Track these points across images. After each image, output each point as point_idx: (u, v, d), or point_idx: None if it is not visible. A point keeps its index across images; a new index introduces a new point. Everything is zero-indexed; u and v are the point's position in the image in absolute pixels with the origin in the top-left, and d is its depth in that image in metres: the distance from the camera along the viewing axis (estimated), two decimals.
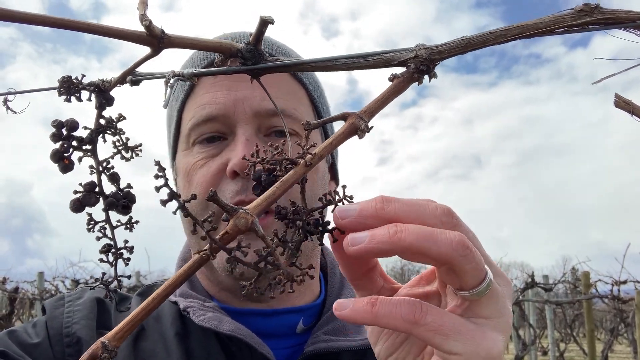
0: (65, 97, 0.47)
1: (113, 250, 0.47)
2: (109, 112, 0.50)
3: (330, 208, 0.50)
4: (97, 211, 0.48)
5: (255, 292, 0.44)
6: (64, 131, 0.47)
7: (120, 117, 0.49)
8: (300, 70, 0.51)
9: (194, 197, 0.42)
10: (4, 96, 0.50)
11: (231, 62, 0.52)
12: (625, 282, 5.70)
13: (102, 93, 0.48)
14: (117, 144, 0.49)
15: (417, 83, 0.47)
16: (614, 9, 0.43)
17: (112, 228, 0.48)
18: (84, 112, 0.50)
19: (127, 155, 0.49)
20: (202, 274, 1.01)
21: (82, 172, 0.49)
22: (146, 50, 0.47)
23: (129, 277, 0.49)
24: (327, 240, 0.51)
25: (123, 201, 0.48)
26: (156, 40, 0.46)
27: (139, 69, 0.51)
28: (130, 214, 0.48)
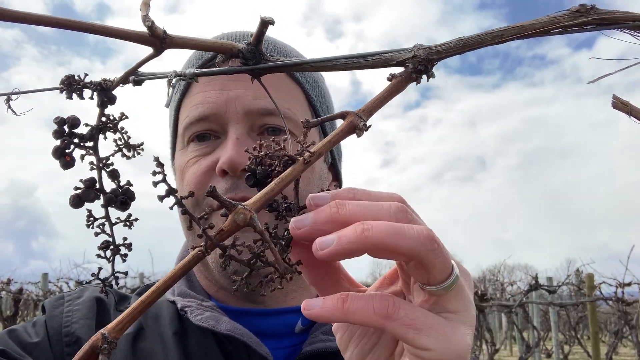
0: (67, 95, 0.48)
1: (111, 246, 0.48)
2: (112, 111, 0.51)
3: None
4: (97, 208, 0.49)
5: (246, 287, 0.45)
6: (66, 128, 0.48)
7: (122, 116, 0.50)
8: (301, 70, 0.52)
9: (191, 194, 0.42)
10: (7, 96, 0.51)
11: (232, 62, 0.52)
12: (629, 284, 5.67)
13: (104, 91, 0.48)
14: (119, 142, 0.49)
15: (415, 83, 0.47)
16: (609, 10, 0.43)
17: (111, 225, 0.48)
18: (87, 112, 0.51)
19: (129, 153, 0.50)
20: (200, 273, 1.01)
21: (87, 171, 0.49)
22: (149, 50, 0.48)
23: (125, 273, 0.50)
24: None
25: (122, 197, 0.49)
26: (158, 40, 0.46)
27: (142, 69, 0.52)
28: (129, 211, 0.49)
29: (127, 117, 0.50)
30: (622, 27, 0.44)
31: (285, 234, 0.49)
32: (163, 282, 0.40)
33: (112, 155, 0.49)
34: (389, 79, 0.47)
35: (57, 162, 0.49)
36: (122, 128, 0.49)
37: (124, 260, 0.48)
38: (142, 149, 0.50)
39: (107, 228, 0.48)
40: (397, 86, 0.47)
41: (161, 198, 0.40)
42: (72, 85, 0.47)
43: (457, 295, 0.50)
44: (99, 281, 0.48)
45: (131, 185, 0.49)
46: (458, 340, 0.48)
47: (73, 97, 0.47)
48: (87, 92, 0.49)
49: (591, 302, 6.59)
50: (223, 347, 0.88)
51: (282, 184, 0.44)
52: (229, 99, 0.89)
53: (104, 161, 0.48)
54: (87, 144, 0.48)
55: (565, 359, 9.10)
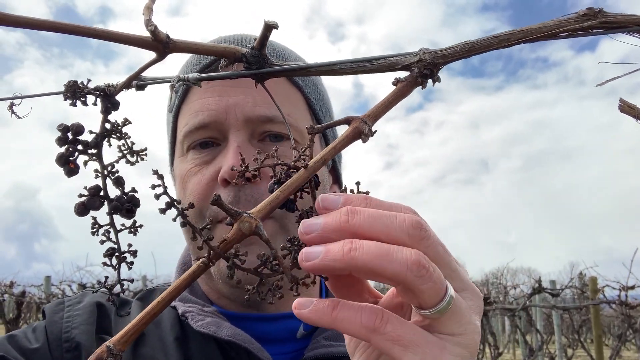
0: (70, 101, 0.47)
1: (117, 254, 0.48)
2: (115, 116, 0.50)
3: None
4: (102, 215, 0.49)
5: (258, 296, 0.44)
6: (70, 135, 0.47)
7: (126, 122, 0.49)
8: (304, 75, 0.51)
9: (191, 205, 0.42)
10: (10, 101, 0.51)
11: (235, 66, 0.52)
12: (633, 287, 5.65)
13: (108, 97, 0.48)
14: (123, 148, 0.49)
15: (420, 87, 0.47)
16: (617, 13, 0.43)
17: (116, 232, 0.48)
18: (90, 116, 0.50)
19: (132, 159, 0.49)
20: (201, 280, 1.01)
21: (90, 176, 0.49)
22: (152, 54, 0.48)
23: (132, 281, 0.50)
24: None
25: (127, 205, 0.48)
26: (161, 45, 0.46)
27: (144, 74, 0.52)
28: (135, 218, 0.49)
29: (130, 123, 0.49)
30: (630, 30, 0.43)
31: (298, 241, 0.48)
32: (168, 293, 0.39)
33: (117, 161, 0.48)
34: (394, 84, 0.47)
35: (59, 165, 0.49)
36: (126, 134, 0.49)
37: (130, 268, 0.48)
38: (146, 154, 0.50)
39: (112, 235, 0.47)
40: (402, 91, 0.46)
41: (163, 211, 0.39)
42: (75, 92, 0.47)
43: (454, 317, 0.48)
44: (105, 289, 0.48)
45: (136, 192, 0.49)
46: None
47: (77, 104, 0.47)
48: (90, 98, 0.48)
49: (594, 306, 6.57)
50: (224, 352, 0.87)
51: (286, 191, 0.43)
52: (229, 105, 0.88)
53: (109, 168, 0.48)
54: (91, 151, 0.48)
55: None
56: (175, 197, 0.98)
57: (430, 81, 0.47)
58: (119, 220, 0.49)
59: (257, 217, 0.41)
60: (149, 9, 0.47)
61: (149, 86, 0.53)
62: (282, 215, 0.87)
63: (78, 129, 0.47)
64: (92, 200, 0.47)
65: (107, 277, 0.49)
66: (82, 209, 0.47)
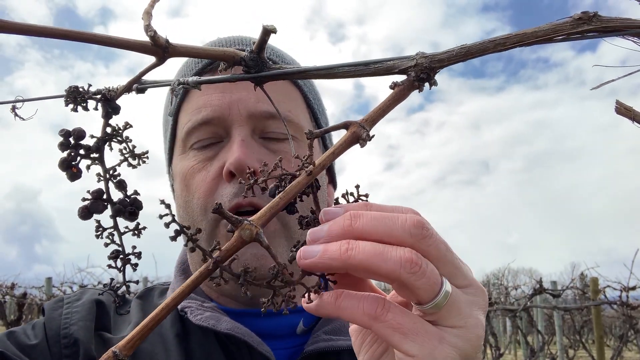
0: (72, 106, 0.48)
1: (121, 256, 0.48)
2: (116, 120, 0.51)
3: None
4: (105, 218, 0.49)
5: (274, 308, 0.46)
6: (72, 140, 0.48)
7: (127, 126, 0.50)
8: (303, 78, 0.52)
9: (198, 231, 0.43)
10: (12, 104, 0.51)
11: (234, 68, 0.53)
12: (634, 288, 5.64)
13: (109, 102, 0.49)
14: (124, 151, 0.50)
15: (417, 91, 0.48)
16: (612, 17, 0.43)
17: (120, 234, 0.48)
18: (92, 117, 0.51)
19: (134, 162, 0.50)
20: None
21: (91, 177, 0.50)
22: (152, 59, 0.48)
23: (137, 282, 0.50)
24: None
25: (130, 208, 0.49)
26: (161, 49, 0.46)
27: (144, 77, 0.52)
28: (138, 220, 0.49)
29: (131, 126, 0.50)
30: (624, 34, 0.44)
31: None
32: (172, 299, 0.40)
33: (118, 165, 0.49)
34: (392, 87, 0.47)
35: (61, 170, 0.49)
36: (127, 137, 0.49)
37: (135, 270, 0.49)
38: (147, 157, 0.51)
39: (116, 238, 0.48)
40: (399, 94, 0.47)
41: (173, 238, 0.40)
42: (76, 98, 0.47)
43: (453, 311, 0.49)
44: (111, 292, 0.49)
45: (138, 194, 0.50)
46: (444, 351, 0.48)
47: (78, 109, 0.48)
48: (91, 103, 0.49)
49: (596, 306, 6.57)
50: (224, 346, 0.88)
51: (286, 197, 0.44)
52: (232, 101, 0.89)
53: (111, 172, 0.49)
54: (93, 155, 0.48)
55: None
56: (175, 197, 0.99)
57: (427, 85, 0.47)
58: (122, 222, 0.49)
59: (257, 224, 0.41)
60: (148, 14, 0.48)
61: (149, 89, 0.54)
62: (283, 214, 0.87)
63: (80, 134, 0.48)
64: (95, 204, 0.48)
65: (112, 279, 0.49)
66: (85, 213, 0.48)
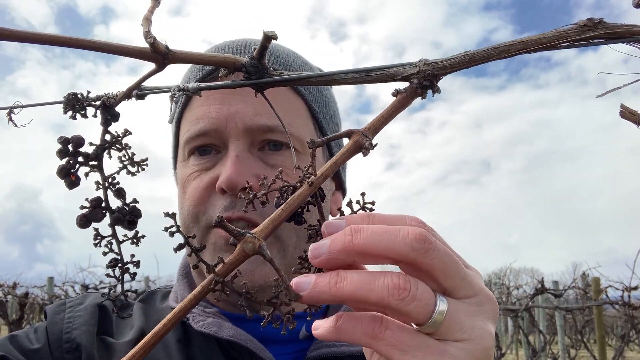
0: (70, 113, 0.48)
1: (120, 265, 0.48)
2: (115, 126, 0.50)
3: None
4: (104, 226, 0.49)
5: (273, 323, 0.46)
6: (70, 147, 0.47)
7: (126, 133, 0.49)
8: (305, 85, 0.52)
9: (203, 247, 0.44)
10: (10, 109, 0.51)
11: (235, 75, 0.52)
12: (636, 288, 5.64)
13: (108, 109, 0.48)
14: (123, 158, 0.49)
15: (420, 98, 0.47)
16: (617, 24, 0.43)
17: (119, 243, 0.48)
18: (92, 118, 0.50)
19: (133, 169, 0.50)
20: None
21: (92, 178, 0.49)
22: (151, 64, 0.48)
23: (135, 292, 0.50)
24: None
25: (129, 216, 0.48)
26: (161, 56, 0.46)
27: (144, 83, 0.52)
28: (137, 229, 0.49)
29: (130, 133, 0.49)
30: (630, 40, 0.43)
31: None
32: (175, 314, 0.40)
33: (117, 172, 0.49)
34: (394, 95, 0.47)
35: (60, 178, 0.49)
36: (126, 145, 0.49)
37: (133, 278, 0.48)
38: (147, 165, 0.50)
39: (114, 247, 0.48)
40: (402, 102, 0.46)
41: (176, 250, 0.40)
42: (75, 105, 0.47)
43: (452, 327, 0.49)
44: (110, 301, 0.49)
45: (137, 202, 0.49)
46: None
47: (77, 116, 0.47)
48: (90, 110, 0.49)
49: (597, 306, 6.57)
50: (226, 353, 0.88)
51: (289, 209, 0.43)
52: (229, 114, 0.89)
53: (110, 179, 0.48)
54: (92, 163, 0.48)
55: None
56: (177, 201, 0.99)
57: (429, 92, 0.47)
58: (121, 231, 0.49)
59: (260, 237, 0.41)
60: (147, 21, 0.47)
61: (148, 95, 0.54)
62: None
63: (78, 141, 0.47)
64: (93, 212, 0.47)
65: (110, 289, 0.49)
66: (84, 221, 0.47)
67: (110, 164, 0.50)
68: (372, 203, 0.52)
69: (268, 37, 0.48)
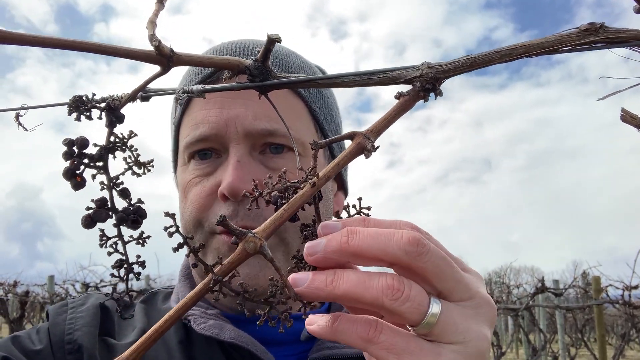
0: (75, 115, 0.48)
1: (125, 265, 0.48)
2: (120, 128, 0.51)
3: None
4: (109, 226, 0.49)
5: (270, 322, 0.46)
6: (75, 149, 0.48)
7: (131, 134, 0.50)
8: (307, 87, 0.52)
9: (202, 246, 0.44)
10: (16, 111, 0.51)
11: (238, 77, 0.52)
12: (636, 287, 5.64)
13: (113, 111, 0.48)
14: (129, 160, 0.50)
15: (423, 101, 0.47)
16: (618, 28, 0.43)
17: (124, 243, 0.48)
18: (95, 116, 0.51)
19: (139, 171, 0.50)
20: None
21: (97, 178, 0.49)
22: (156, 67, 0.48)
23: (139, 291, 0.50)
24: None
25: (133, 216, 0.49)
26: (165, 59, 0.46)
27: (149, 85, 0.52)
28: (142, 229, 0.49)
29: (135, 135, 0.50)
30: (631, 45, 0.44)
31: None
32: (175, 311, 0.40)
33: (122, 174, 0.49)
34: (397, 97, 0.47)
35: (65, 179, 0.49)
36: (132, 146, 0.49)
37: (138, 279, 0.49)
38: (153, 166, 0.50)
39: (119, 247, 0.48)
40: (404, 105, 0.47)
41: (175, 250, 0.41)
42: (79, 107, 0.47)
43: (447, 328, 0.49)
44: (113, 301, 0.49)
45: (142, 202, 0.50)
46: None
47: (81, 118, 0.48)
48: (95, 112, 0.49)
49: (598, 305, 6.57)
50: (228, 355, 0.88)
51: (290, 209, 0.44)
52: (229, 118, 0.89)
53: (115, 180, 0.49)
54: (97, 164, 0.48)
55: None
56: (177, 204, 0.99)
57: (432, 95, 0.47)
58: (126, 231, 0.49)
59: (261, 237, 0.41)
60: (152, 24, 0.48)
61: (153, 97, 0.54)
62: (280, 229, 0.88)
63: (83, 143, 0.48)
64: (98, 213, 0.48)
65: (114, 289, 0.50)
66: (88, 222, 0.48)
67: (115, 164, 0.50)
68: (368, 208, 0.53)
69: (272, 40, 0.49)
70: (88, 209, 0.48)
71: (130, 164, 0.49)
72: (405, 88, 0.48)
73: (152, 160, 0.51)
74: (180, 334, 0.91)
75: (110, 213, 0.49)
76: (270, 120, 0.88)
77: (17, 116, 0.51)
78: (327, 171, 0.45)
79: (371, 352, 0.48)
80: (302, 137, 0.93)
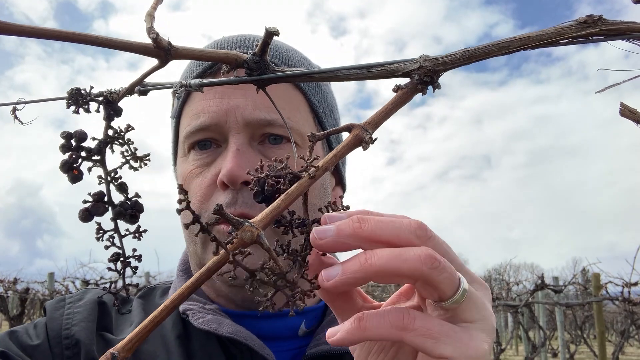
0: (73, 108, 0.48)
1: (122, 259, 0.48)
2: (118, 122, 0.51)
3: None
4: (106, 220, 0.49)
5: (272, 308, 0.45)
6: (73, 142, 0.48)
7: (129, 128, 0.50)
8: (306, 81, 0.52)
9: (210, 224, 0.43)
10: (13, 106, 0.51)
11: (237, 71, 0.52)
12: (636, 283, 5.65)
13: (110, 104, 0.48)
14: (126, 153, 0.50)
15: (421, 94, 0.47)
16: (616, 21, 0.43)
17: (121, 237, 0.48)
18: (94, 112, 0.51)
19: (136, 165, 0.50)
20: None
21: (94, 173, 0.49)
22: (154, 60, 0.48)
23: (137, 285, 0.50)
24: None
25: (131, 210, 0.49)
26: (163, 52, 0.46)
27: (147, 79, 0.52)
28: (139, 223, 0.49)
29: (133, 129, 0.50)
30: (629, 37, 0.44)
31: (300, 250, 0.49)
32: (172, 300, 0.40)
33: (120, 167, 0.49)
34: (395, 90, 0.47)
35: (62, 172, 0.49)
36: (129, 140, 0.49)
37: (134, 273, 0.49)
38: (149, 160, 0.50)
39: (116, 241, 0.48)
40: (402, 97, 0.47)
41: (186, 226, 0.40)
42: (78, 100, 0.47)
43: (471, 305, 0.50)
44: (111, 295, 0.49)
45: (139, 197, 0.50)
46: (476, 346, 0.48)
47: (80, 111, 0.48)
48: (93, 105, 0.49)
49: (597, 302, 6.58)
50: (226, 350, 0.88)
51: (288, 200, 0.44)
52: (230, 108, 0.89)
53: (112, 174, 0.49)
54: (94, 157, 0.48)
55: (572, 359, 9.07)
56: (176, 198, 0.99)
57: (430, 88, 0.47)
58: (123, 225, 0.49)
59: (258, 226, 0.41)
60: (150, 17, 0.47)
61: (151, 91, 0.54)
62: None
63: (81, 136, 0.47)
64: (96, 206, 0.48)
65: (111, 283, 0.49)
66: (86, 215, 0.47)
67: (113, 158, 0.50)
68: (347, 207, 0.53)
69: (270, 34, 0.48)
70: (85, 202, 0.48)
71: (128, 158, 0.49)
72: (403, 81, 0.48)
73: (149, 154, 0.50)
74: (178, 328, 0.91)
75: (108, 207, 0.49)
76: (269, 111, 0.89)
77: (14, 110, 0.51)
78: (325, 162, 0.45)
79: (408, 339, 0.47)
80: (300, 128, 0.94)
